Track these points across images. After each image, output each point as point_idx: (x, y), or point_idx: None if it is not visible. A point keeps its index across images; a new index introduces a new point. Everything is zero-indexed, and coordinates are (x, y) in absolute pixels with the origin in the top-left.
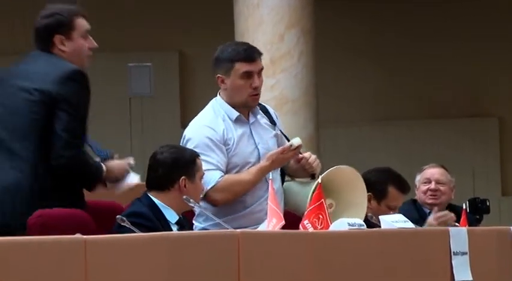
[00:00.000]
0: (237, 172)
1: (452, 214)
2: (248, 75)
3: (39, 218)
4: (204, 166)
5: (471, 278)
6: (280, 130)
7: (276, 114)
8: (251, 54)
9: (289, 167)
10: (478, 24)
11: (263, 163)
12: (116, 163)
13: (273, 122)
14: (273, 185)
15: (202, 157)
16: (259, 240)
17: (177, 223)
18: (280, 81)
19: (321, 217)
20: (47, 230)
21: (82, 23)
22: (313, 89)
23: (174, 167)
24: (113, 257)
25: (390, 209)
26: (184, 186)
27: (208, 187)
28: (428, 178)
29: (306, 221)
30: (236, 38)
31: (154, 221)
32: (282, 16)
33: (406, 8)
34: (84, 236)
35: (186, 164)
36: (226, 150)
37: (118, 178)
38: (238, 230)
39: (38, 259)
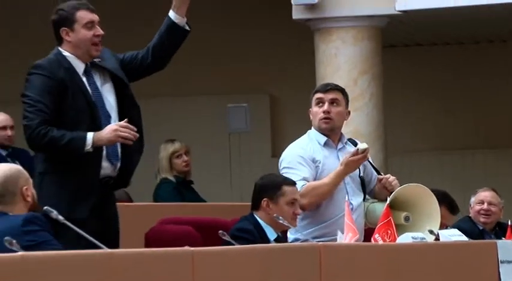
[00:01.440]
0: None
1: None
2: (320, 101)
3: (156, 232)
4: (293, 178)
5: None
6: (368, 159)
7: None
8: (325, 86)
9: (374, 190)
10: None
11: (338, 168)
12: (105, 129)
13: None
14: (353, 202)
15: (292, 171)
16: (338, 251)
17: (275, 239)
18: (354, 119)
19: (389, 231)
20: (162, 243)
21: (83, 15)
22: (382, 126)
23: (260, 191)
24: (216, 265)
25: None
26: (268, 206)
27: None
28: (482, 199)
29: (376, 235)
30: (317, 83)
31: (257, 236)
32: (355, 64)
33: (463, 53)
34: (192, 248)
35: (270, 188)
36: (316, 167)
37: (110, 139)
38: (319, 243)
39: (153, 268)
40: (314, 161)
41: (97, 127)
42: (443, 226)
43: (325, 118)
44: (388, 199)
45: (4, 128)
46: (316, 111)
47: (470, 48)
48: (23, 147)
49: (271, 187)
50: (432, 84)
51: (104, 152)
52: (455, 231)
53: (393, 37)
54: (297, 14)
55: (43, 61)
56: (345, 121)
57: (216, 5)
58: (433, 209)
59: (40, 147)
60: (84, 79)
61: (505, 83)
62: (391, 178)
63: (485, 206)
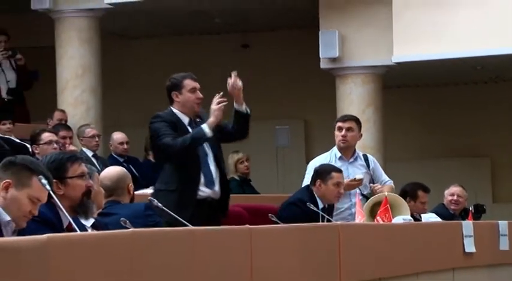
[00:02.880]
0: None
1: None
2: (340, 129)
3: (226, 216)
4: (310, 182)
5: (475, 250)
6: (369, 171)
7: (374, 161)
8: (344, 117)
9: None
10: (482, 104)
11: None
12: (212, 113)
13: (368, 166)
14: (358, 198)
15: (309, 176)
16: (352, 229)
17: (322, 209)
18: (363, 137)
19: (386, 215)
20: (228, 222)
21: (189, 83)
22: (382, 142)
23: (316, 174)
24: (266, 239)
25: (422, 204)
26: (320, 185)
27: None
28: (453, 193)
29: (378, 217)
30: (337, 112)
31: (310, 205)
32: (363, 99)
33: (438, 92)
34: (250, 226)
35: (323, 172)
36: None
37: (215, 116)
38: (338, 222)
39: (221, 240)
40: None
41: (196, 162)
42: (424, 205)
43: (342, 140)
44: (371, 198)
45: (122, 143)
46: (337, 135)
47: (442, 88)
48: (133, 155)
49: (324, 171)
50: (418, 113)
51: (202, 180)
52: (433, 215)
53: (390, 81)
54: (323, 65)
55: (161, 113)
56: (357, 141)
57: (272, 65)
58: (403, 207)
59: (177, 152)
60: (189, 128)
61: (466, 113)
62: (378, 186)
63: (455, 197)
